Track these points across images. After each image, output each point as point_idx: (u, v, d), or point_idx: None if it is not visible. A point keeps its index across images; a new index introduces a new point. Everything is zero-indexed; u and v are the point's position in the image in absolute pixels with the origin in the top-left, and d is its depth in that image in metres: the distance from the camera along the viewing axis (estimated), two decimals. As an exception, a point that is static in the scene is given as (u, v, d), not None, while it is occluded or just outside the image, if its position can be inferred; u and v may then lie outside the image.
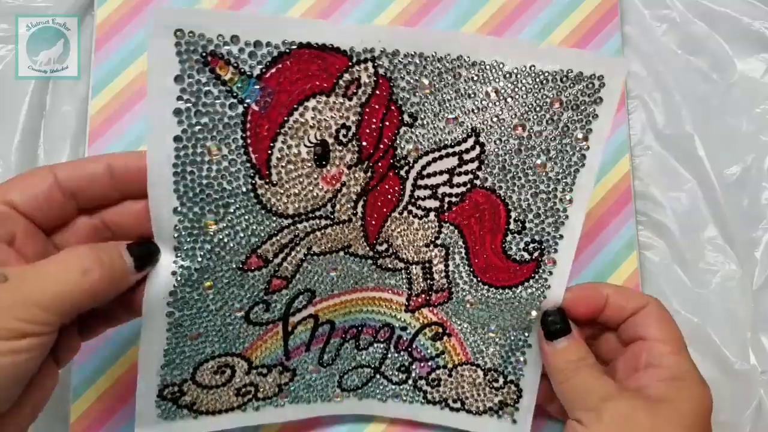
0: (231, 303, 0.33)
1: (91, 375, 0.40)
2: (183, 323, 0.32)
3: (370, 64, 0.30)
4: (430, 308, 0.37)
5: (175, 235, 0.30)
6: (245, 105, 0.29)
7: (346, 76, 0.30)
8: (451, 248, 0.35)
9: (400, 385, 0.38)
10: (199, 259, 0.31)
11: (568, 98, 0.32)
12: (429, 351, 0.38)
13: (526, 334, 0.36)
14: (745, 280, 0.44)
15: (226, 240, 0.31)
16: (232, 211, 0.31)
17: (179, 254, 0.31)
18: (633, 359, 0.34)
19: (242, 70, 0.29)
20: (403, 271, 0.36)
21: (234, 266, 0.32)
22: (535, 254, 0.35)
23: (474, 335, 0.37)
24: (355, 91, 0.30)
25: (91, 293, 0.27)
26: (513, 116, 0.32)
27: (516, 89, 0.32)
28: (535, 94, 0.32)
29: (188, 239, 0.31)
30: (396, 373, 0.38)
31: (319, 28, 0.29)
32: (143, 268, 0.30)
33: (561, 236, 0.34)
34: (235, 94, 0.29)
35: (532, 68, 0.32)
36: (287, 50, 0.29)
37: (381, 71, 0.31)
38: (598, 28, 0.45)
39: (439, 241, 0.35)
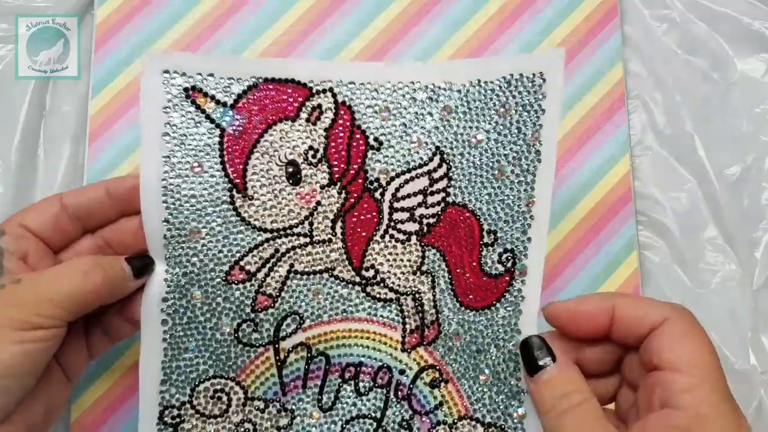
0: (219, 317, 0.35)
1: (91, 375, 0.40)
2: (176, 334, 0.34)
3: (329, 93, 0.35)
4: (425, 347, 0.36)
5: (165, 243, 0.34)
6: (221, 129, 0.34)
7: (308, 104, 0.34)
8: (436, 274, 0.35)
9: None
10: (185, 265, 0.34)
11: (516, 101, 0.34)
12: (428, 401, 0.36)
13: (520, 379, 0.34)
14: (745, 280, 0.44)
15: (209, 246, 0.34)
16: (213, 220, 0.34)
17: (169, 262, 0.34)
18: (649, 394, 0.27)
19: (218, 100, 0.34)
20: (394, 302, 0.36)
21: (218, 275, 0.34)
22: (509, 264, 0.35)
23: (468, 379, 0.36)
24: (318, 116, 0.35)
25: (94, 293, 0.30)
26: (471, 129, 0.35)
27: (468, 104, 0.35)
28: (486, 105, 0.34)
29: (176, 247, 0.34)
30: (399, 430, 0.37)
31: (282, 66, 0.35)
32: (141, 276, 0.33)
33: (529, 239, 0.35)
34: (212, 120, 0.34)
35: (478, 81, 0.34)
36: (255, 83, 0.34)
37: (340, 99, 0.35)
38: (598, 28, 0.45)
39: (424, 268, 0.35)
